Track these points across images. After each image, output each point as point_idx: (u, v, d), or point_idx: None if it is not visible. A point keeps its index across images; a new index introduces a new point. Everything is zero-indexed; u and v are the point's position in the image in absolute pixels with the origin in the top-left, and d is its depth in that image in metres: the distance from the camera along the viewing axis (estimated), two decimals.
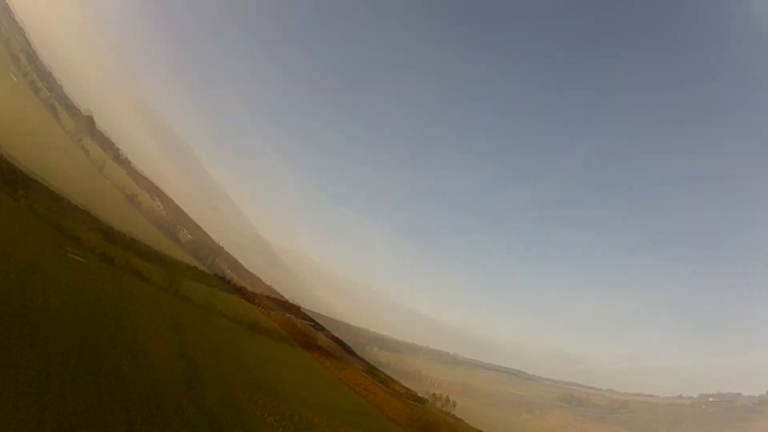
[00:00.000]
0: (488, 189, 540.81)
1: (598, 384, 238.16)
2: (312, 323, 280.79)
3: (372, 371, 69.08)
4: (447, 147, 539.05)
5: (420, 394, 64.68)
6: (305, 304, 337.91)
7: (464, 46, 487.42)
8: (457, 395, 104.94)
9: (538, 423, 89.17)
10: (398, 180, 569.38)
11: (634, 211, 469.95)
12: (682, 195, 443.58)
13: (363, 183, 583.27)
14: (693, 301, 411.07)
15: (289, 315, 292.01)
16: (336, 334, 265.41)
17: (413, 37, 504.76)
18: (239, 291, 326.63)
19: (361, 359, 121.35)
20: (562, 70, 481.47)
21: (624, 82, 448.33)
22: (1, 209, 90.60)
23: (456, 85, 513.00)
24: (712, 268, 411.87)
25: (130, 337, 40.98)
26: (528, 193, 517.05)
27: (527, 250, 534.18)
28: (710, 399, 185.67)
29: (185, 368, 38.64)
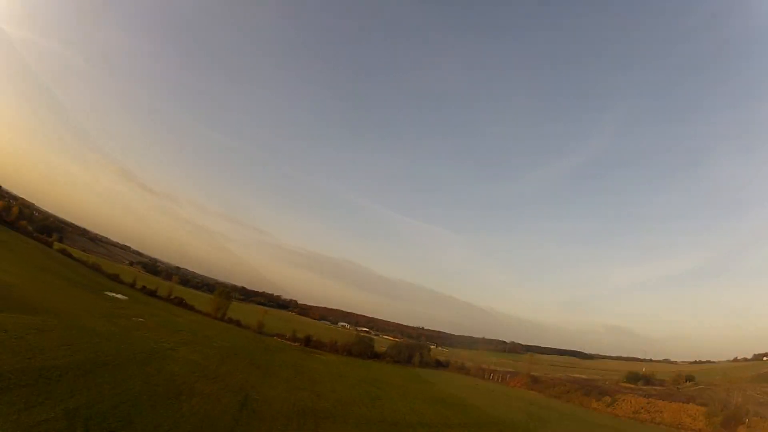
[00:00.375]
0: (517, 171, 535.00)
1: (654, 355, 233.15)
2: (369, 331, 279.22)
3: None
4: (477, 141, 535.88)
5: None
6: (360, 311, 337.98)
7: (480, 29, 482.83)
8: (524, 388, 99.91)
9: (610, 410, 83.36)
10: (426, 173, 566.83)
11: (666, 176, 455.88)
12: (717, 151, 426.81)
13: (392, 179, 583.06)
14: (730, 262, 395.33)
15: (343, 324, 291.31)
16: (392, 337, 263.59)
17: (427, 28, 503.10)
18: (290, 305, 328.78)
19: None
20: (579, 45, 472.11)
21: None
22: (32, 257, 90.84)
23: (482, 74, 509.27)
24: (744, 227, 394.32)
25: (172, 375, 37.61)
26: (561, 170, 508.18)
27: (558, 228, 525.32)
28: (765, 358, 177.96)
29: (234, 401, 35.18)
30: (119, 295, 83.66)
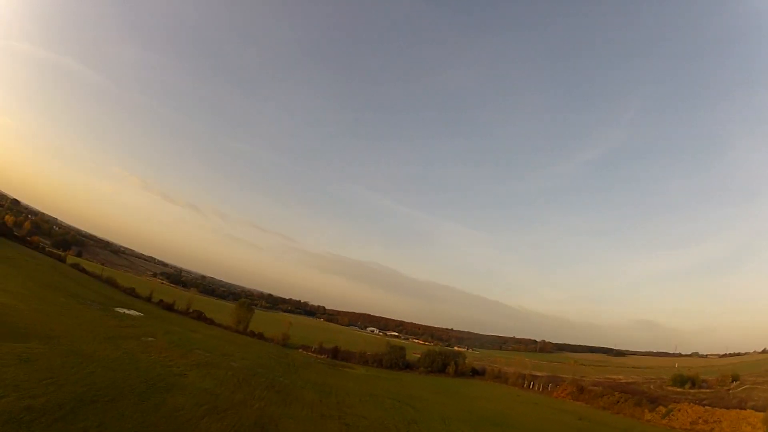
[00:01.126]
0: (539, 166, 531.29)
1: (682, 349, 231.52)
2: (398, 335, 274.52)
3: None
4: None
5: None
6: (388, 314, 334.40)
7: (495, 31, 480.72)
8: (570, 398, 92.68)
9: (666, 421, 76.08)
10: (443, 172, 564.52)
11: (685, 164, 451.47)
12: (735, 136, 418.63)
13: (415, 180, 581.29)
14: (753, 250, 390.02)
15: (372, 329, 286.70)
16: (422, 340, 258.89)
17: (439, 29, 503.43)
18: (318, 311, 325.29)
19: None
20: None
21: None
22: (40, 273, 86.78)
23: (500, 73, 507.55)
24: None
25: (174, 411, 32.23)
26: (580, 164, 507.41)
27: (580, 222, 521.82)
28: None
29: None
30: (132, 311, 79.18)
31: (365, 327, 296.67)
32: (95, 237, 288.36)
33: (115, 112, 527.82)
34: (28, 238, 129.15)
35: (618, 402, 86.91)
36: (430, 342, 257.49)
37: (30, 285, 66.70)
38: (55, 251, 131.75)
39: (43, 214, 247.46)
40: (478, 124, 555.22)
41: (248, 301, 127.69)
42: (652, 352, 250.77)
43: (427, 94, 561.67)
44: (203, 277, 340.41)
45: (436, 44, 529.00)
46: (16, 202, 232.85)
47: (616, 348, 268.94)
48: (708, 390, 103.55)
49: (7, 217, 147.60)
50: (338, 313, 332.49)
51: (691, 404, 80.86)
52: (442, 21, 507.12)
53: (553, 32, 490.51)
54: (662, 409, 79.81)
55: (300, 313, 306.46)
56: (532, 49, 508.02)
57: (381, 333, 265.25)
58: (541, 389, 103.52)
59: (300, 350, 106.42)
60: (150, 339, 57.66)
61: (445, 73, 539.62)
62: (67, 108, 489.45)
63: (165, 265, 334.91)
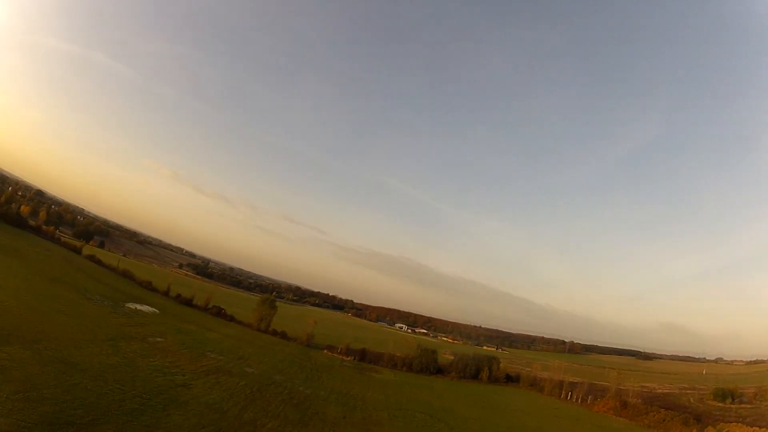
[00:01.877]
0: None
1: (707, 354, 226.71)
2: (427, 332, 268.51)
3: None
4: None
5: None
6: (417, 310, 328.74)
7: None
8: (612, 413, 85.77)
9: None
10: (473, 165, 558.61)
11: (720, 160, 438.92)
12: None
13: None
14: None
15: (400, 325, 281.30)
16: (452, 338, 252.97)
17: (473, 19, 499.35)
18: (346, 305, 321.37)
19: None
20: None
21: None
22: (48, 266, 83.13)
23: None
24: None
25: (181, 419, 27.03)
26: (612, 158, 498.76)
27: (611, 217, 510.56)
28: None
29: None
30: (144, 307, 74.90)
31: (393, 323, 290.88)
32: (122, 227, 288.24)
33: (145, 105, 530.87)
34: (44, 227, 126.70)
35: (664, 420, 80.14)
36: (459, 341, 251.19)
37: (33, 279, 62.75)
38: (71, 242, 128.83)
39: (68, 204, 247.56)
40: (510, 118, 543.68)
41: (272, 297, 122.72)
42: (678, 356, 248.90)
43: (459, 88, 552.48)
44: (231, 269, 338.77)
45: (469, 37, 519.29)
46: (40, 192, 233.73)
47: (644, 351, 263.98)
48: (748, 405, 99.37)
49: (23, 207, 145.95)
50: (366, 307, 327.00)
51: (739, 424, 75.33)
52: (474, 13, 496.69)
53: (584, 25, 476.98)
54: (711, 430, 73.69)
55: (327, 307, 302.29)
56: (562, 41, 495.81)
57: (410, 330, 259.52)
58: (580, 401, 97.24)
59: (325, 351, 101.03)
60: (158, 340, 53.08)
61: (477, 67, 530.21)
62: (97, 102, 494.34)
63: (193, 255, 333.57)
